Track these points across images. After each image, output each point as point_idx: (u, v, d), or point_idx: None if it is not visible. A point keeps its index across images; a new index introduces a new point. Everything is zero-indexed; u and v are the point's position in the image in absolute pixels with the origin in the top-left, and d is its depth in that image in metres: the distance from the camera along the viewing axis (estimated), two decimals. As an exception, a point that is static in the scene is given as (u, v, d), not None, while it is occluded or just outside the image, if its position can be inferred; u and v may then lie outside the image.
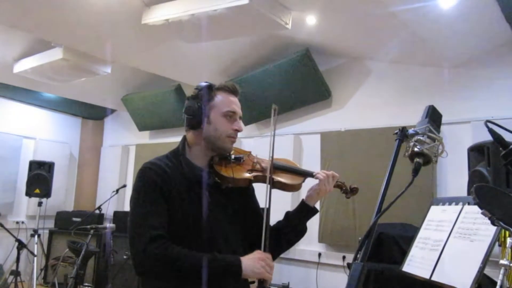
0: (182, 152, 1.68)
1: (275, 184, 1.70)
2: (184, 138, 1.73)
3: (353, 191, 1.85)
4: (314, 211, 1.81)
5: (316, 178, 1.77)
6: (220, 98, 1.68)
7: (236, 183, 1.66)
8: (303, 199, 1.81)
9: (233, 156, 1.70)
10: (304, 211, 1.79)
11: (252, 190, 1.82)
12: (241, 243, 1.69)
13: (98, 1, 3.46)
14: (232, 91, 1.71)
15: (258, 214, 1.77)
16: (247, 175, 1.69)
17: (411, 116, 2.72)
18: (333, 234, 4.36)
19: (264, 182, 1.66)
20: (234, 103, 1.70)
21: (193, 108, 1.65)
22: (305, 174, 1.79)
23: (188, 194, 1.60)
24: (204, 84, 1.69)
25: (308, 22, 3.78)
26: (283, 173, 1.75)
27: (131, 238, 1.52)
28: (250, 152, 1.80)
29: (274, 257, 1.70)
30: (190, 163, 1.66)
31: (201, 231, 1.58)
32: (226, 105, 1.67)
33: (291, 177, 1.76)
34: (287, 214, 1.81)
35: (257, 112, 4.98)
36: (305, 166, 4.74)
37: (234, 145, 1.74)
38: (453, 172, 3.80)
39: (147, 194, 1.56)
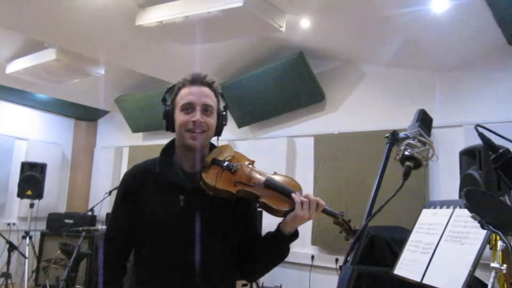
0: (162, 152, 1.66)
1: (259, 204, 1.50)
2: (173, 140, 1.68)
3: (355, 233, 1.49)
4: (290, 238, 1.53)
5: (293, 199, 1.48)
6: (180, 93, 1.59)
7: (217, 192, 1.50)
8: (279, 224, 1.55)
9: (225, 163, 1.54)
10: (278, 237, 1.53)
11: (251, 205, 1.64)
12: (219, 253, 1.57)
13: (92, 2, 3.45)
14: (191, 81, 1.59)
15: (250, 231, 1.64)
16: (232, 187, 1.50)
17: (405, 119, 2.73)
18: (326, 237, 4.36)
19: (251, 198, 1.51)
20: (191, 94, 1.56)
21: (164, 111, 1.63)
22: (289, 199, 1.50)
23: (159, 197, 1.57)
24: (171, 85, 1.65)
25: (302, 25, 3.79)
26: (273, 195, 1.51)
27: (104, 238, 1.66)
28: (253, 162, 1.62)
29: (251, 281, 1.67)
30: (169, 165, 1.61)
31: (165, 235, 1.53)
32: (182, 98, 1.57)
33: (280, 201, 1.50)
34: (266, 235, 1.61)
35: (250, 114, 4.99)
36: (298, 168, 4.80)
37: (240, 151, 1.64)
38: (445, 176, 3.82)
39: (117, 197, 1.66)
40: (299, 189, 1.55)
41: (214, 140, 1.68)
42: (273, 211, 1.49)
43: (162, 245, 1.54)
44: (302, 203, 1.46)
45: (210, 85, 1.62)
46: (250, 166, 1.59)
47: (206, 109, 1.56)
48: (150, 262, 1.55)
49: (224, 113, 1.66)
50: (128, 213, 1.60)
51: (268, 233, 1.60)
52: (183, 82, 1.62)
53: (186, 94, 1.57)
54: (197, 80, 1.59)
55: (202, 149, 1.61)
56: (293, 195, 1.49)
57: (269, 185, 1.52)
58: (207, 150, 1.64)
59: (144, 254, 1.57)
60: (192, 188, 1.55)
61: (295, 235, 1.54)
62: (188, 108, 1.55)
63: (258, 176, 1.55)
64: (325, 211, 1.56)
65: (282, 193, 1.51)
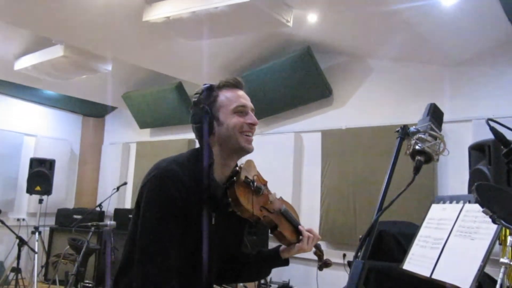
0: (211, 160, 1.47)
1: (274, 232, 1.56)
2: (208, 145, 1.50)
3: (327, 265, 1.78)
4: (284, 263, 1.66)
5: (300, 232, 1.61)
6: (225, 95, 1.50)
7: (247, 215, 1.47)
8: (279, 248, 1.65)
9: (255, 184, 1.50)
10: (274, 260, 1.65)
11: (245, 226, 1.66)
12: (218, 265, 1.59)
13: (99, -2, 3.46)
14: (235, 85, 1.54)
15: (240, 242, 1.68)
16: (259, 212, 1.50)
17: (412, 114, 2.72)
18: (333, 232, 4.36)
19: (269, 225, 1.56)
20: (242, 97, 1.52)
21: (199, 114, 1.47)
22: (297, 231, 1.62)
23: (196, 212, 1.43)
24: (204, 86, 1.52)
25: (310, 20, 3.78)
26: (287, 225, 1.60)
27: (145, 261, 1.34)
28: (266, 183, 1.60)
29: (227, 282, 1.69)
30: (212, 176, 1.46)
31: (193, 252, 1.45)
32: (233, 100, 1.49)
33: (291, 232, 1.60)
34: (258, 252, 1.69)
35: (258, 110, 4.93)
36: (306, 164, 4.80)
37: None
38: (454, 171, 3.80)
39: (166, 215, 1.37)
40: (297, 216, 1.67)
41: None
42: (284, 240, 1.59)
43: (188, 262, 1.44)
44: (308, 238, 1.61)
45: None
46: (267, 189, 1.59)
47: (252, 111, 1.56)
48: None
49: None
50: (181, 230, 1.39)
51: (262, 253, 1.69)
52: (223, 83, 1.54)
53: (236, 97, 1.51)
54: (240, 84, 1.56)
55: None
56: (300, 228, 1.61)
57: (285, 215, 1.60)
58: None
59: None
60: (223, 205, 1.49)
61: (287, 261, 1.67)
62: (242, 110, 1.50)
63: (275, 203, 1.59)
64: (316, 245, 1.71)
65: (292, 223, 1.62)
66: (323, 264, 1.77)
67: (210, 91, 1.51)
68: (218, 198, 1.47)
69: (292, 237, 1.59)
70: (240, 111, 1.50)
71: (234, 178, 1.49)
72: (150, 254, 1.34)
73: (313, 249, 1.71)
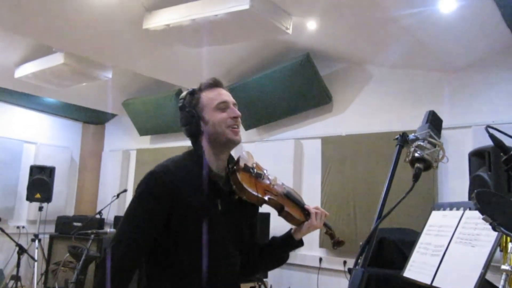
0: (201, 152, 1.57)
1: (282, 213, 1.65)
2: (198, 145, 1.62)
3: (340, 243, 1.77)
4: (299, 244, 1.73)
5: (307, 210, 1.69)
6: (206, 96, 1.60)
7: (249, 197, 1.57)
8: (290, 230, 1.73)
9: (255, 170, 1.63)
10: (289, 243, 1.71)
11: (257, 208, 1.72)
12: (238, 257, 1.63)
13: (99, 6, 3.47)
14: (215, 84, 1.64)
15: (252, 233, 1.71)
16: (264, 194, 1.61)
17: (412, 121, 2.71)
18: (334, 239, 4.34)
19: (275, 207, 1.63)
20: (222, 94, 1.61)
21: (186, 117, 1.59)
22: (304, 210, 1.70)
23: (197, 200, 1.50)
24: (185, 92, 1.64)
25: (309, 27, 3.79)
26: (293, 206, 1.68)
27: (115, 240, 1.46)
28: (266, 170, 1.71)
29: (246, 276, 1.71)
30: (208, 165, 1.56)
31: (202, 241, 1.49)
32: (215, 98, 1.59)
33: (298, 211, 1.68)
34: (272, 239, 1.75)
35: (258, 117, 4.99)
36: (306, 171, 4.79)
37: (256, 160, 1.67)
38: (454, 177, 3.79)
39: (140, 199, 1.50)
40: (301, 199, 1.75)
41: None
42: (293, 220, 1.67)
43: (196, 251, 1.48)
44: (316, 214, 1.68)
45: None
46: (269, 175, 1.70)
47: (235, 106, 1.63)
48: (180, 269, 1.49)
49: None
50: (157, 219, 1.48)
51: (276, 239, 1.74)
52: (203, 85, 1.64)
53: (217, 95, 1.61)
54: (219, 83, 1.65)
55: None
56: (306, 206, 1.70)
57: (289, 196, 1.69)
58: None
59: (172, 260, 1.50)
60: (227, 191, 1.58)
61: (302, 242, 1.73)
62: (224, 107, 1.59)
63: (276, 185, 1.68)
64: (326, 224, 1.77)
65: (298, 204, 1.70)
66: (336, 242, 1.78)
67: (193, 95, 1.62)
68: (220, 186, 1.56)
69: (300, 216, 1.67)
70: (223, 107, 1.59)
71: (234, 167, 1.60)
72: (119, 238, 1.47)
73: (324, 229, 1.77)
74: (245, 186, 1.55)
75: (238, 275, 1.64)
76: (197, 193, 1.51)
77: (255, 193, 1.56)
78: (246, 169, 1.60)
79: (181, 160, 1.60)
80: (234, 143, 1.59)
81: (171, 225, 1.48)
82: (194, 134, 1.59)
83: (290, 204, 1.67)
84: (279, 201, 1.63)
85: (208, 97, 1.60)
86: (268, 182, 1.66)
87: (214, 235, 1.51)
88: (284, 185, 1.74)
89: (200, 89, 1.63)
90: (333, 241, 1.78)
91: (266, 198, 1.60)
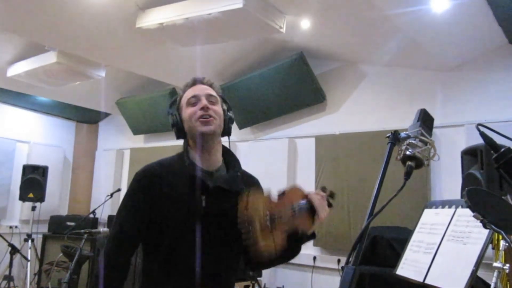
0: (185, 149, 1.61)
1: (300, 233, 1.52)
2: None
3: (332, 195, 1.59)
4: (311, 237, 1.60)
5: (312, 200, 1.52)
6: (183, 96, 1.64)
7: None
8: None
9: (269, 223, 1.45)
10: (300, 238, 1.58)
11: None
12: (230, 257, 1.60)
13: (92, 5, 3.45)
14: (192, 83, 1.65)
15: None
16: (280, 240, 1.46)
17: (406, 119, 2.73)
18: (328, 238, 4.36)
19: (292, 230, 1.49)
20: (195, 89, 1.62)
21: (172, 119, 1.63)
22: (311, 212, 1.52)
23: (180, 196, 1.53)
24: (175, 97, 1.70)
25: (303, 26, 3.79)
26: (303, 216, 1.50)
27: (108, 236, 1.58)
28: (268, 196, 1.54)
29: (263, 268, 1.66)
30: (192, 162, 1.57)
31: (185, 237, 1.51)
32: (186, 96, 1.62)
33: (307, 218, 1.51)
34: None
35: (251, 115, 4.99)
36: (300, 169, 4.80)
37: (241, 153, 1.66)
38: (447, 175, 3.81)
39: (128, 197, 1.59)
40: (301, 193, 1.55)
41: (226, 142, 1.69)
42: (306, 227, 1.51)
43: (180, 246, 1.51)
44: (321, 207, 1.50)
45: (210, 85, 1.67)
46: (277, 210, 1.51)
47: (210, 100, 1.60)
48: (164, 265, 1.52)
49: (229, 113, 1.68)
50: (141, 213, 1.54)
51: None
52: (184, 87, 1.66)
53: (190, 92, 1.62)
54: (197, 81, 1.65)
55: (215, 140, 1.61)
56: (310, 198, 1.51)
57: (298, 213, 1.50)
58: (220, 146, 1.65)
59: (158, 257, 1.53)
60: (214, 188, 1.55)
61: (314, 235, 1.59)
62: (194, 101, 1.59)
63: (284, 213, 1.49)
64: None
65: (306, 212, 1.51)
66: (331, 194, 1.60)
67: (176, 98, 1.68)
68: (206, 183, 1.54)
69: (310, 220, 1.51)
70: (193, 101, 1.60)
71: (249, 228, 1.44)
72: (110, 234, 1.59)
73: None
74: (263, 245, 1.43)
75: (230, 273, 1.62)
76: (177, 189, 1.54)
77: (272, 246, 1.44)
78: (264, 226, 1.45)
79: (168, 160, 1.63)
80: (205, 133, 1.55)
81: (154, 220, 1.53)
82: (180, 135, 1.63)
83: (301, 217, 1.51)
84: (292, 226, 1.48)
85: (184, 96, 1.63)
86: (279, 219, 1.48)
87: (197, 231, 1.51)
88: (281, 196, 1.55)
89: (183, 91, 1.66)
90: (328, 194, 1.59)
91: (282, 238, 1.46)
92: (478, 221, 1.10)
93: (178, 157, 1.62)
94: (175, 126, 1.62)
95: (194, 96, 1.59)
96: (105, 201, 4.96)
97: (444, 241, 1.61)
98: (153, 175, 1.56)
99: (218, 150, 1.63)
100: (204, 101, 1.58)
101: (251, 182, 1.70)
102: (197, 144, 1.59)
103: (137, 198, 1.55)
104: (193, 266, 1.50)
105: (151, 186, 1.54)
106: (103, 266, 1.49)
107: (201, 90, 1.62)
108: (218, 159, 1.63)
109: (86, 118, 6.90)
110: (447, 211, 1.71)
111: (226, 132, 1.66)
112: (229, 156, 1.68)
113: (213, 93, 1.63)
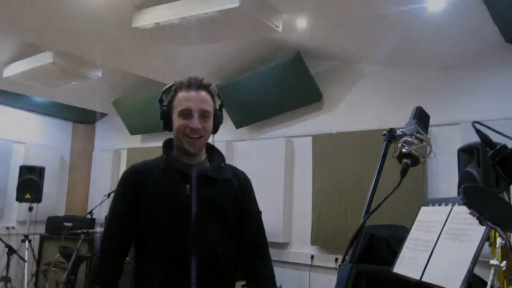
0: (165, 149, 1.70)
1: None
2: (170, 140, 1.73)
3: None
4: None
5: None
6: (178, 97, 1.63)
7: None
8: None
9: None
10: None
11: (247, 189, 1.75)
12: (225, 242, 1.64)
13: (88, 5, 3.44)
14: (188, 85, 1.63)
15: (251, 216, 1.73)
16: None
17: (403, 118, 2.72)
18: (325, 236, 4.36)
19: None
20: (189, 100, 1.60)
21: (161, 112, 1.68)
22: None
23: (165, 187, 1.60)
24: (169, 85, 1.69)
25: (299, 25, 3.79)
26: None
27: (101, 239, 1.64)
28: None
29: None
30: (173, 158, 1.67)
31: (173, 225, 1.56)
32: (180, 103, 1.61)
33: None
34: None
35: (248, 115, 4.98)
36: (297, 169, 4.80)
37: (238, 152, 1.71)
38: (444, 173, 3.82)
39: (116, 195, 1.67)
40: None
41: (210, 139, 1.73)
42: None
43: (169, 235, 1.55)
44: None
45: (206, 88, 1.65)
46: None
47: (204, 115, 1.61)
48: (157, 254, 1.56)
49: (219, 112, 1.70)
50: (129, 209, 1.60)
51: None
52: (180, 84, 1.64)
53: (184, 100, 1.60)
54: (194, 85, 1.62)
55: (199, 152, 1.68)
56: None
57: None
58: (204, 150, 1.70)
59: (150, 247, 1.57)
60: (197, 176, 1.60)
61: None
62: (186, 113, 1.59)
63: None
64: None
65: None
66: None
67: (169, 90, 1.69)
68: (187, 173, 1.60)
69: None
70: (185, 113, 1.60)
71: None
72: (104, 229, 1.68)
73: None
74: None
75: (225, 259, 1.63)
76: (162, 181, 1.61)
77: None
78: None
79: (154, 159, 1.72)
80: (188, 152, 1.63)
81: (143, 213, 1.58)
82: (166, 129, 1.71)
83: None
84: None
85: (179, 99, 1.63)
86: None
87: (185, 218, 1.55)
88: None
89: (177, 87, 1.65)
90: None
91: None
92: (475, 218, 1.10)
93: (162, 157, 1.70)
94: (164, 119, 1.68)
95: (187, 109, 1.59)
96: (102, 202, 4.94)
97: (441, 239, 1.62)
98: (139, 171, 1.65)
99: (202, 151, 1.70)
100: (196, 122, 1.58)
101: (238, 174, 1.75)
102: (181, 153, 1.66)
103: (125, 193, 1.64)
104: (184, 256, 1.53)
105: (137, 180, 1.62)
106: (98, 254, 1.61)
107: (196, 102, 1.60)
108: (201, 156, 1.69)
109: (83, 118, 6.88)
110: (444, 209, 1.72)
111: (214, 131, 1.70)
112: (213, 152, 1.74)
113: (207, 106, 1.62)
